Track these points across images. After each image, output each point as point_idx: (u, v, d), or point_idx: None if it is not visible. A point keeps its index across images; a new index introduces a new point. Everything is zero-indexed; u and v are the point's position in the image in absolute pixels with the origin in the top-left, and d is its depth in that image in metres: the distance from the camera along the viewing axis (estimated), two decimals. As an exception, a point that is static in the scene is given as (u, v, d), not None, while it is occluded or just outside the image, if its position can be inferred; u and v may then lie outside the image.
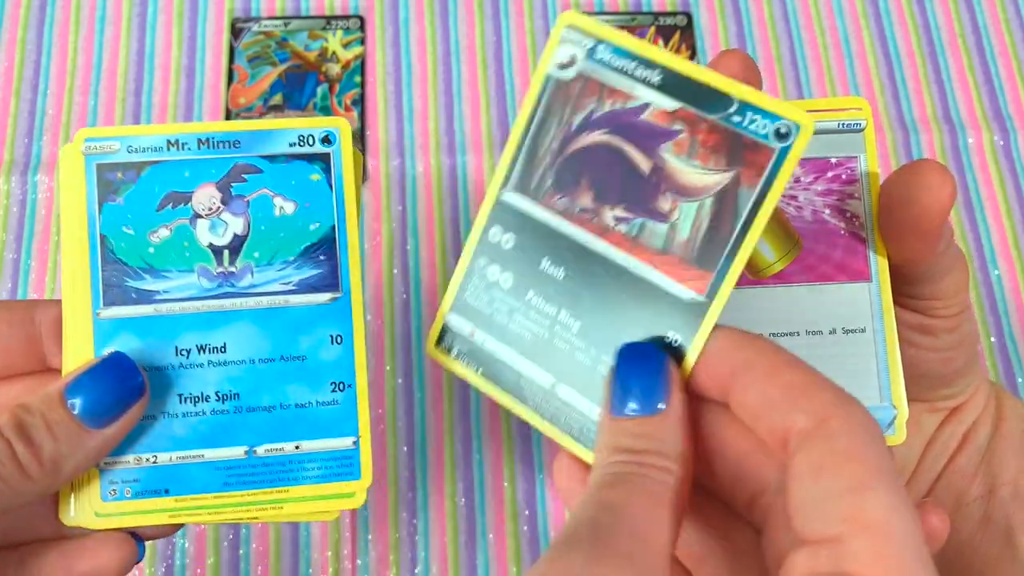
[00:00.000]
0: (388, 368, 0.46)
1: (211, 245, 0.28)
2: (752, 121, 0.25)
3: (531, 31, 0.53)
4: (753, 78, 0.30)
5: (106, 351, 0.28)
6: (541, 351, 0.26)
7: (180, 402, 0.28)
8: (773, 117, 0.24)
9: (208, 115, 0.50)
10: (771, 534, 0.24)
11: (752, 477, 0.24)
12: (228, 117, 0.50)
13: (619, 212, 0.26)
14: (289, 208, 0.29)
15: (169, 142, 0.29)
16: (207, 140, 0.29)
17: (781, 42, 0.53)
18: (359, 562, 0.43)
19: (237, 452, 0.28)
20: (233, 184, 0.29)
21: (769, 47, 0.53)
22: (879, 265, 0.30)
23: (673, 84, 0.25)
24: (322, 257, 0.29)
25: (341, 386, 0.28)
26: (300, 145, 0.29)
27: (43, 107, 0.50)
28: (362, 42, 0.52)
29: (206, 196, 0.29)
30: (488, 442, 0.45)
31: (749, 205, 0.24)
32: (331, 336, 0.29)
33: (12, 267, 0.47)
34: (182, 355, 0.28)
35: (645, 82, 0.26)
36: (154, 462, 0.28)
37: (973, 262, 0.49)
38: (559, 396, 0.26)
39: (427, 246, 0.48)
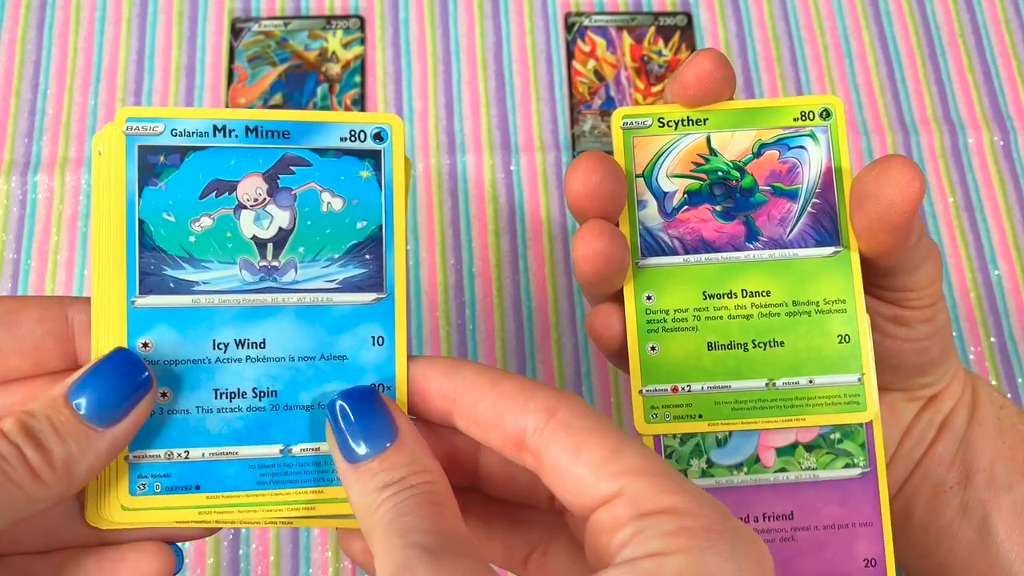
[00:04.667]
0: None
1: (255, 237, 0.28)
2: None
3: (531, 31, 0.53)
4: (727, 75, 0.30)
5: (139, 341, 0.27)
6: None
7: (216, 397, 0.27)
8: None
9: (208, 115, 0.50)
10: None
11: None
12: (228, 117, 0.50)
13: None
14: (337, 204, 0.28)
15: (216, 127, 0.27)
16: (256, 128, 0.28)
17: (781, 42, 0.53)
18: (359, 562, 0.43)
19: (272, 451, 0.27)
20: (280, 176, 0.28)
21: (769, 47, 0.53)
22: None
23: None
24: (368, 256, 0.28)
25: (381, 388, 0.28)
26: (351, 140, 0.28)
27: (43, 107, 0.50)
28: (362, 42, 0.52)
29: (252, 186, 0.28)
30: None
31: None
32: (373, 337, 0.28)
33: (12, 267, 0.47)
34: (219, 349, 0.27)
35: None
36: (186, 457, 0.27)
37: (973, 262, 0.49)
38: None
39: (427, 246, 0.48)
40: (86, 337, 0.27)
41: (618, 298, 0.31)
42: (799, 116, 0.31)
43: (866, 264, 0.31)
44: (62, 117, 0.50)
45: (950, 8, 0.54)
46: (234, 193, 0.28)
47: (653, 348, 0.31)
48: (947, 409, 0.35)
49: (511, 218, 0.49)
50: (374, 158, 0.28)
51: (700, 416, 0.31)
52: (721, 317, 0.31)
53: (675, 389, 0.31)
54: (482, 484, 0.29)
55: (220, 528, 0.28)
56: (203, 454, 0.27)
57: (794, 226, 0.31)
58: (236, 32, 0.52)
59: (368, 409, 0.26)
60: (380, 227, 0.28)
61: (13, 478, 0.24)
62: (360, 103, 0.51)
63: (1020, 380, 0.47)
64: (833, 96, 0.31)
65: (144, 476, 0.27)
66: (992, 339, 0.48)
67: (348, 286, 0.28)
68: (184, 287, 0.27)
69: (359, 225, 0.28)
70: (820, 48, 0.53)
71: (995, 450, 0.34)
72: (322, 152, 0.28)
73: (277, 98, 0.51)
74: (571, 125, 0.51)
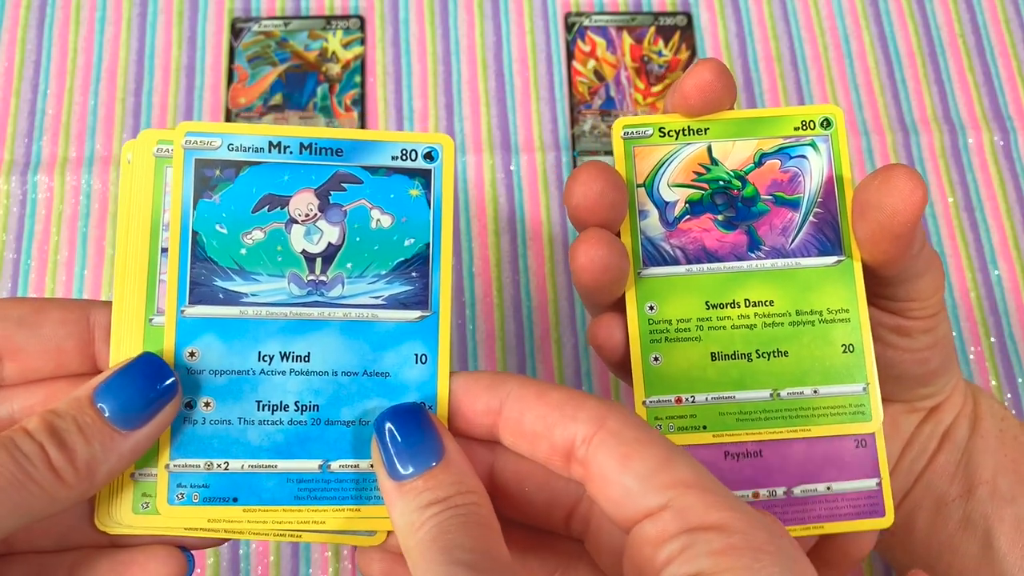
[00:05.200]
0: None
1: (304, 252, 0.28)
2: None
3: (531, 31, 0.53)
4: (728, 85, 0.30)
5: (186, 351, 0.27)
6: None
7: (258, 409, 0.27)
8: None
9: (208, 115, 0.50)
10: (595, 534, 0.27)
11: (563, 494, 0.27)
12: (228, 117, 0.50)
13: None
14: (386, 222, 0.28)
15: (271, 144, 0.28)
16: (310, 145, 0.28)
17: (781, 42, 0.53)
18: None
19: (311, 466, 0.27)
20: (332, 192, 0.28)
21: (769, 47, 0.53)
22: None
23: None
24: (414, 274, 0.28)
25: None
26: (402, 159, 0.28)
27: (43, 107, 0.50)
28: (362, 42, 0.52)
29: (304, 202, 0.28)
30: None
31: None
32: (416, 355, 0.28)
33: (12, 267, 0.47)
34: (264, 361, 0.27)
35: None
36: (225, 468, 0.27)
37: (973, 262, 0.49)
38: None
39: (427, 246, 0.48)
40: (104, 340, 0.28)
41: (620, 308, 0.31)
42: (800, 125, 0.31)
43: (868, 274, 0.31)
44: (62, 117, 0.50)
45: (950, 8, 0.54)
46: (286, 208, 0.28)
47: (656, 359, 0.31)
48: (948, 421, 0.35)
49: (511, 218, 0.49)
50: (424, 177, 0.29)
51: (704, 427, 0.31)
52: (724, 327, 0.31)
53: (679, 400, 0.31)
54: (494, 505, 0.29)
55: (228, 539, 0.28)
56: (242, 466, 0.27)
57: (796, 235, 0.31)
58: (236, 32, 0.52)
59: (415, 427, 0.26)
60: (427, 245, 0.28)
61: (35, 477, 0.24)
62: (360, 103, 0.51)
63: (1020, 380, 0.47)
64: (834, 105, 0.31)
65: (183, 486, 0.27)
66: (992, 339, 0.48)
67: (393, 303, 0.28)
68: (233, 298, 0.28)
69: (407, 243, 0.28)
70: (820, 48, 0.53)
71: (997, 462, 0.34)
72: (373, 170, 0.28)
73: (277, 98, 0.51)
74: (571, 125, 0.51)
